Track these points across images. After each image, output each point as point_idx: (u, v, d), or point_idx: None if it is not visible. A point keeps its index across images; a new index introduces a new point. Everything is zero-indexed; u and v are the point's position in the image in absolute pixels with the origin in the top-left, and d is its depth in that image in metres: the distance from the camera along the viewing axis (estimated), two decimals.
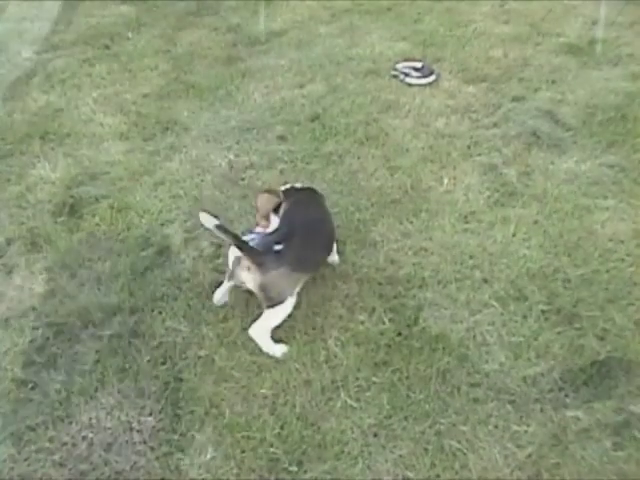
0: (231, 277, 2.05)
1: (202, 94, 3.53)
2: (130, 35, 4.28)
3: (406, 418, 1.82)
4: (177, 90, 3.59)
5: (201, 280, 2.30)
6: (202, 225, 1.93)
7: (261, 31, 4.22)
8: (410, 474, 1.69)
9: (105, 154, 3.05)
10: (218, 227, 1.88)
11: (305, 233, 2.03)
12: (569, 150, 2.93)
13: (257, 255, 1.92)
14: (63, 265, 2.39)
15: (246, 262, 1.93)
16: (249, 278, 1.95)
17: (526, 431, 1.78)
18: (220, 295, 2.17)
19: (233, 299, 2.21)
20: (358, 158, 2.93)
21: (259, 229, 2.19)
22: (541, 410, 1.83)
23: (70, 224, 2.59)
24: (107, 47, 4.13)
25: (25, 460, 1.76)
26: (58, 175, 2.90)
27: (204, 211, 1.92)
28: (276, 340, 2.03)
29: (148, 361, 2.01)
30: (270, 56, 3.91)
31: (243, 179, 2.84)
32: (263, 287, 1.94)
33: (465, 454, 1.72)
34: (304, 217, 2.11)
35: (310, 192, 2.29)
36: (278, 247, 1.96)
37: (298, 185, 2.31)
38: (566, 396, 1.86)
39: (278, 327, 2.02)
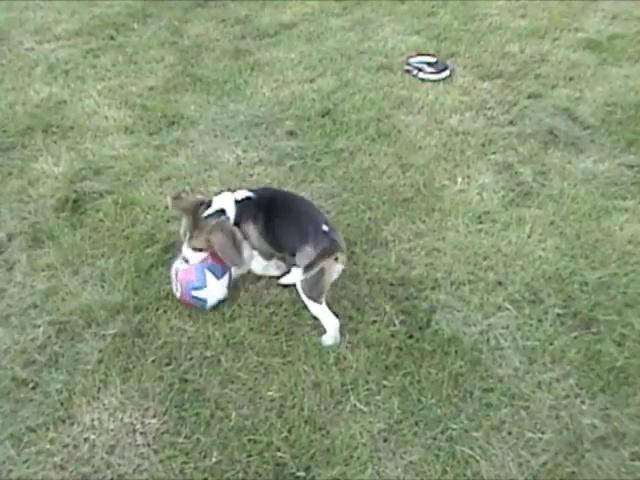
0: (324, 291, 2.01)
1: (209, 87, 3.49)
2: (135, 26, 4.24)
3: (417, 423, 1.79)
4: (184, 83, 3.55)
5: None
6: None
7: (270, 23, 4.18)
8: None
9: (109, 148, 3.01)
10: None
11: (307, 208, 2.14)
12: (587, 149, 2.88)
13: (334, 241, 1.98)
14: (66, 262, 2.36)
15: (333, 256, 1.95)
16: (341, 263, 2.01)
17: (541, 438, 1.75)
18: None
19: (238, 299, 2.17)
20: (370, 155, 2.90)
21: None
22: (556, 417, 1.80)
23: (73, 220, 2.56)
24: (112, 38, 4.10)
25: (25, 462, 1.74)
26: (61, 169, 2.86)
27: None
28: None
29: (152, 361, 1.98)
30: (280, 49, 3.87)
31: (251, 175, 2.80)
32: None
33: (477, 461, 1.70)
34: (292, 202, 2.18)
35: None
36: (325, 228, 2.00)
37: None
38: (582, 403, 1.83)
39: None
